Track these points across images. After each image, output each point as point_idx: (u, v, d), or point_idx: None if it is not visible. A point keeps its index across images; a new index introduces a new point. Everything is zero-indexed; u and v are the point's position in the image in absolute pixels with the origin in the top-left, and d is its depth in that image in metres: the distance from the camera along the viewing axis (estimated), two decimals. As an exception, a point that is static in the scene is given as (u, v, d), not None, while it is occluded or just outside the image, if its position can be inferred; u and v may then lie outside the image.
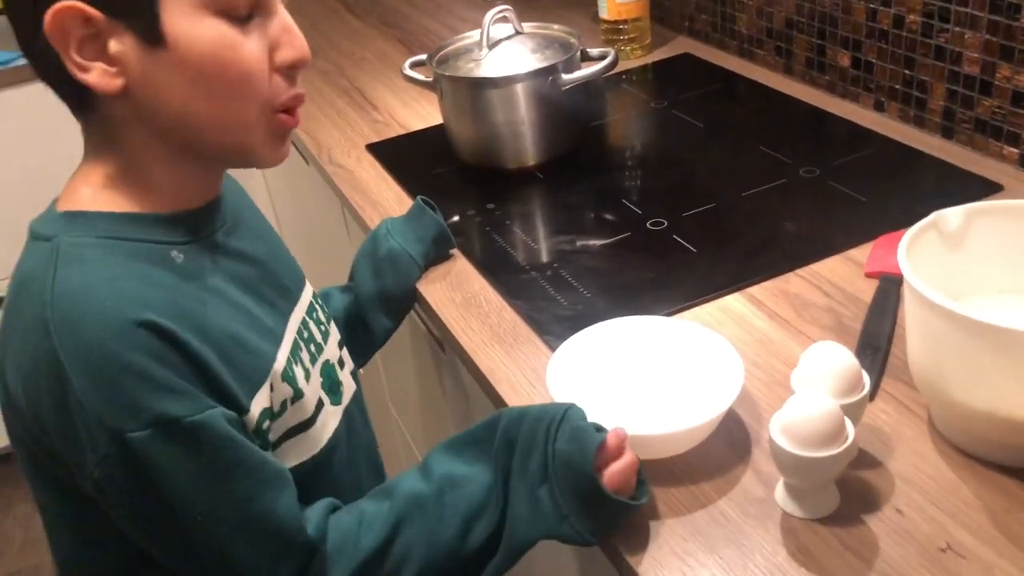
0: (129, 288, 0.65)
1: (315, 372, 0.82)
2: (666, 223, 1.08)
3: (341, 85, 1.63)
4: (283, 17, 0.70)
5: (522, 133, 1.21)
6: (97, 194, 0.70)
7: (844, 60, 1.28)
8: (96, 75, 0.65)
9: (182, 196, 0.73)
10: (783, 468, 0.69)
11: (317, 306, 0.89)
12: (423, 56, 1.29)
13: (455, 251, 1.09)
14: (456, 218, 1.15)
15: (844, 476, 0.70)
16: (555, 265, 1.04)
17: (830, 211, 1.06)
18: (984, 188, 1.05)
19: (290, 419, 0.76)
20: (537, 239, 1.11)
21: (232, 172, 0.81)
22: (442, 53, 1.27)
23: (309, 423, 0.79)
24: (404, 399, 1.54)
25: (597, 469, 0.68)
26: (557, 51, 1.22)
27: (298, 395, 0.77)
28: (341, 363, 0.89)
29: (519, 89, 1.18)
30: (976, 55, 1.08)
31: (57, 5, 0.62)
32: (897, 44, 1.19)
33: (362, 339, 1.02)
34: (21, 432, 0.68)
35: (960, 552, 0.65)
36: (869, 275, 0.94)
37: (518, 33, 1.25)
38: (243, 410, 0.69)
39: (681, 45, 1.60)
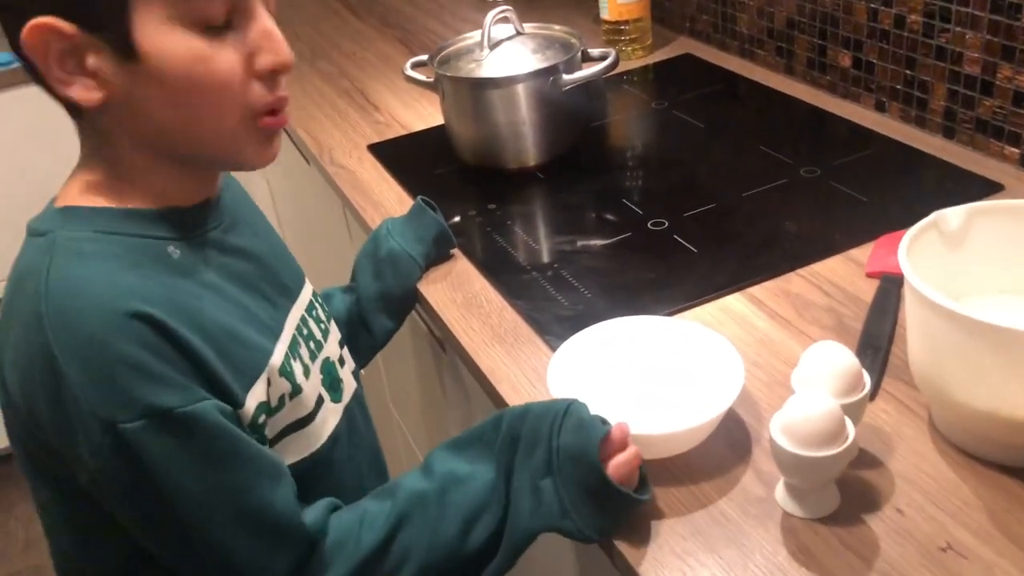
0: (124, 281, 0.65)
1: (315, 369, 0.82)
2: (667, 223, 1.08)
3: (342, 86, 1.63)
4: (263, 22, 0.69)
5: (523, 133, 1.21)
6: (94, 192, 0.70)
7: (845, 60, 1.28)
8: (76, 89, 0.65)
9: (177, 195, 0.73)
10: (783, 468, 0.69)
11: (317, 304, 0.89)
12: (424, 57, 1.29)
13: (456, 251, 1.09)
14: (457, 218, 1.15)
15: (844, 476, 0.70)
16: (556, 265, 1.04)
17: (831, 211, 1.06)
18: (985, 188, 1.05)
19: (288, 415, 0.77)
20: (538, 239, 1.11)
21: (233, 172, 0.81)
22: (443, 54, 1.27)
23: (308, 419, 0.79)
24: (405, 399, 1.54)
25: (602, 460, 0.69)
26: (558, 51, 1.22)
27: (296, 391, 0.77)
28: (341, 361, 0.89)
29: (520, 89, 1.18)
30: (977, 55, 1.08)
31: (32, 21, 0.62)
32: (898, 44, 1.19)
33: (364, 339, 1.02)
34: (19, 430, 0.69)
35: (960, 552, 0.65)
36: (870, 275, 0.94)
37: (519, 33, 1.25)
38: (238, 403, 0.69)
39: (682, 45, 1.60)
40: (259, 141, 0.72)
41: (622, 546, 0.70)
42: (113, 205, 0.70)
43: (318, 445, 0.80)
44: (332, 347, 0.88)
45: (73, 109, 0.69)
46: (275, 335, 0.77)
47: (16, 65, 2.00)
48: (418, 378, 1.36)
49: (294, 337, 0.80)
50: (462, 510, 0.72)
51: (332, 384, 0.85)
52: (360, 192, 1.27)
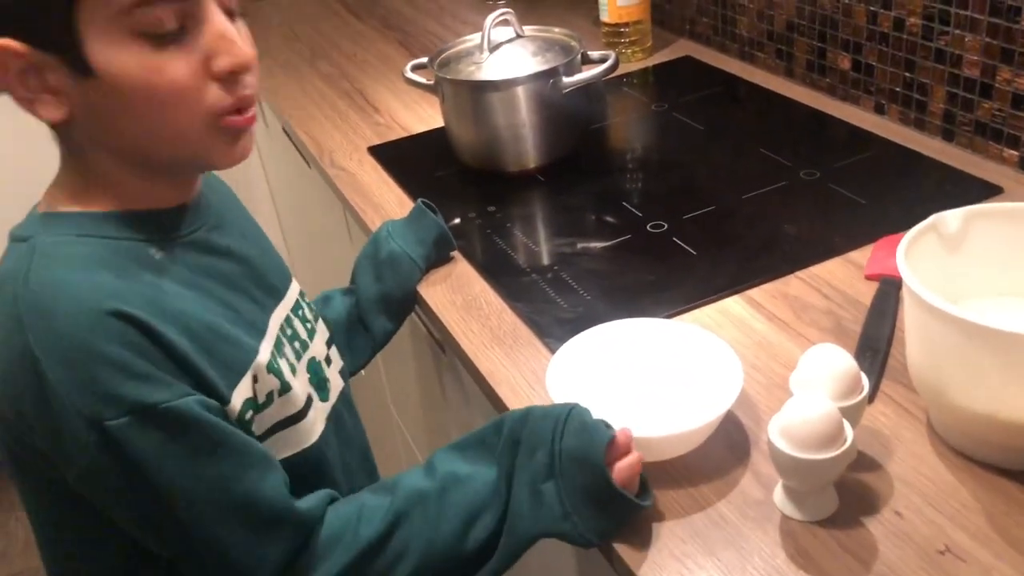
0: (103, 281, 0.66)
1: (301, 368, 0.83)
2: (666, 226, 1.08)
3: (342, 87, 1.63)
4: (217, 24, 0.68)
5: (523, 136, 1.21)
6: (74, 198, 0.71)
7: (844, 63, 1.29)
8: (40, 107, 0.66)
9: (156, 198, 0.74)
10: (782, 470, 0.69)
11: (303, 304, 0.90)
12: (424, 59, 1.29)
13: (456, 253, 1.09)
14: (457, 220, 1.15)
15: (843, 478, 0.70)
16: (555, 267, 1.04)
17: (830, 213, 1.06)
18: (984, 191, 1.05)
19: (278, 412, 0.77)
20: (538, 242, 1.11)
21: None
22: (443, 56, 1.27)
23: (300, 416, 0.79)
24: (405, 400, 1.54)
25: (607, 464, 0.69)
26: (558, 54, 1.22)
27: (285, 388, 0.77)
28: (328, 360, 0.89)
29: (520, 92, 1.18)
30: (976, 58, 1.08)
31: None
32: (897, 47, 1.19)
33: (363, 340, 1.03)
34: (4, 434, 0.69)
35: (959, 555, 0.65)
36: (869, 277, 0.94)
37: (519, 36, 1.25)
38: (224, 400, 0.70)
39: (682, 48, 1.60)
40: (226, 142, 0.72)
41: (621, 548, 0.70)
42: (93, 209, 0.71)
43: (311, 441, 0.81)
44: (319, 346, 0.88)
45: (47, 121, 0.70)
46: (260, 334, 0.78)
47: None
48: (418, 380, 1.36)
49: (278, 337, 0.81)
50: (462, 509, 0.72)
51: (319, 383, 0.85)
52: (360, 194, 1.27)
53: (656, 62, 1.57)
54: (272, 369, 0.76)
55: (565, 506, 0.69)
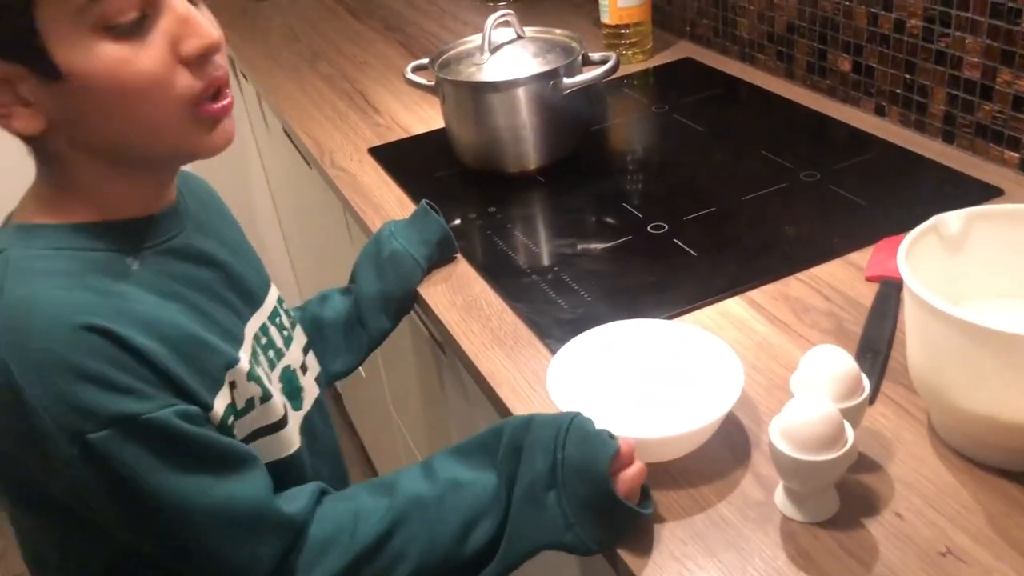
0: (77, 295, 0.65)
1: (274, 377, 0.83)
2: (667, 227, 1.08)
3: (343, 88, 1.64)
4: (179, 9, 0.67)
5: (523, 137, 1.21)
6: (49, 209, 0.71)
7: (845, 65, 1.29)
8: (17, 121, 0.66)
9: (134, 205, 0.73)
10: (783, 472, 0.69)
11: (281, 311, 0.89)
12: (425, 60, 1.29)
13: (456, 254, 1.09)
14: (457, 221, 1.15)
15: (844, 480, 0.70)
16: (556, 268, 1.04)
17: (831, 215, 1.06)
18: (984, 192, 1.05)
19: (258, 419, 0.77)
20: (538, 242, 1.11)
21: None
22: (444, 57, 1.27)
23: (281, 424, 0.79)
24: (405, 401, 1.54)
25: (611, 475, 0.69)
26: (559, 55, 1.22)
27: (267, 395, 0.77)
28: (304, 368, 0.89)
29: (521, 93, 1.18)
30: (977, 60, 1.08)
31: None
32: (898, 49, 1.19)
33: (360, 340, 1.02)
34: None
35: (960, 556, 0.65)
36: (869, 279, 0.94)
37: (520, 37, 1.26)
38: (207, 406, 0.70)
39: (682, 50, 1.60)
40: (206, 129, 0.71)
41: (621, 550, 0.70)
42: (69, 219, 0.70)
43: (290, 452, 0.80)
44: (295, 354, 0.88)
45: (22, 135, 0.69)
46: (238, 342, 0.77)
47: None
48: (418, 380, 1.36)
49: (253, 346, 0.80)
50: (461, 515, 0.72)
51: (292, 392, 0.85)
52: (361, 195, 1.27)
53: (657, 64, 1.57)
54: (253, 376, 0.76)
55: (568, 517, 0.69)
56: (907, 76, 1.19)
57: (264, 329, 0.84)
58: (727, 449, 0.77)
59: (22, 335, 0.62)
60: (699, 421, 0.73)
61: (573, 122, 1.24)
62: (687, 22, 1.62)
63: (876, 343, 0.84)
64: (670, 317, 0.92)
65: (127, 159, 0.71)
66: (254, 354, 0.80)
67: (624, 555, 0.69)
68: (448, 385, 1.17)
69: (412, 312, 1.08)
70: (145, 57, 0.66)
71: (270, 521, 0.70)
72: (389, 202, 1.24)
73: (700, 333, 0.83)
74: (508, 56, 1.22)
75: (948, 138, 1.16)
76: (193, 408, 0.68)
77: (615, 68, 1.19)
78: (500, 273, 1.04)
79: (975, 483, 0.70)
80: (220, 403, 0.71)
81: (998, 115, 1.08)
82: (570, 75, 1.19)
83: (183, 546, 0.68)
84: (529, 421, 0.73)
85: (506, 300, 1.00)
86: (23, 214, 0.71)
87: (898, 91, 1.21)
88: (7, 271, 0.66)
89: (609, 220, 1.12)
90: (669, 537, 0.70)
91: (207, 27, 0.69)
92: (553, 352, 0.86)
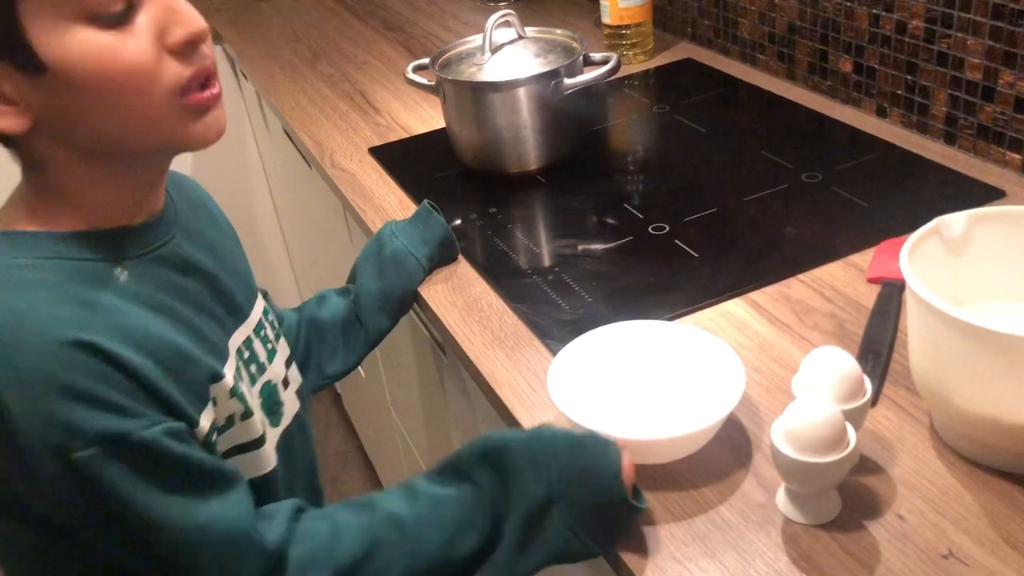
0: (65, 309, 0.64)
1: (254, 392, 0.81)
2: (668, 228, 1.08)
3: (344, 88, 1.63)
4: None
5: (524, 137, 1.21)
6: (34, 216, 0.69)
7: (846, 66, 1.29)
8: (1, 119, 0.64)
9: (121, 211, 0.72)
10: (784, 473, 0.69)
11: (267, 323, 0.87)
12: (426, 60, 1.29)
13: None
14: (458, 222, 1.15)
15: (846, 482, 0.70)
16: (557, 269, 1.04)
17: (832, 216, 1.06)
18: (986, 194, 1.05)
19: (237, 435, 0.76)
20: (539, 243, 1.11)
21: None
22: (445, 57, 1.27)
23: (259, 442, 0.79)
24: (405, 402, 1.54)
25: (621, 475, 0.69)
26: (560, 56, 1.22)
27: (248, 413, 0.77)
28: (286, 383, 0.88)
29: (521, 93, 1.18)
30: (979, 61, 1.08)
31: None
32: (899, 50, 1.19)
33: (358, 339, 1.02)
34: None
35: (962, 558, 0.65)
36: (871, 280, 0.94)
37: (521, 38, 1.25)
38: (193, 422, 0.68)
39: (683, 50, 1.60)
40: (195, 119, 0.69)
41: (622, 551, 0.70)
42: (57, 227, 0.68)
43: (269, 468, 0.80)
44: (277, 368, 0.87)
45: (3, 139, 0.67)
46: (223, 356, 0.76)
47: None
48: (418, 382, 1.35)
49: (237, 361, 0.79)
50: (444, 531, 0.71)
51: (271, 408, 0.84)
52: (361, 195, 1.27)
53: (658, 64, 1.57)
54: (235, 393, 0.75)
55: (573, 528, 0.69)
56: (909, 77, 1.19)
57: (248, 343, 0.82)
58: (728, 451, 0.77)
59: (8, 350, 0.61)
60: (700, 423, 0.73)
61: (574, 122, 1.24)
62: (688, 23, 1.62)
63: (878, 345, 0.84)
64: (671, 318, 0.92)
65: (114, 156, 0.69)
66: (237, 369, 0.78)
67: (625, 556, 0.69)
68: (448, 386, 1.17)
69: (412, 312, 1.07)
70: (131, 46, 0.64)
71: (252, 544, 0.69)
72: (389, 202, 1.24)
73: (701, 334, 0.82)
74: (509, 56, 1.22)
75: (950, 139, 1.16)
76: (180, 425, 0.67)
77: (616, 68, 1.19)
78: (501, 274, 1.04)
79: (977, 485, 0.70)
80: (206, 419, 0.70)
81: (1000, 117, 1.08)
82: (571, 75, 1.19)
83: (165, 565, 0.67)
84: (504, 440, 0.72)
85: (507, 301, 1.00)
86: (6, 220, 0.69)
87: (900, 92, 1.21)
88: None
89: (610, 221, 1.12)
90: (670, 539, 0.70)
91: (193, 15, 0.67)
92: (554, 353, 0.86)
